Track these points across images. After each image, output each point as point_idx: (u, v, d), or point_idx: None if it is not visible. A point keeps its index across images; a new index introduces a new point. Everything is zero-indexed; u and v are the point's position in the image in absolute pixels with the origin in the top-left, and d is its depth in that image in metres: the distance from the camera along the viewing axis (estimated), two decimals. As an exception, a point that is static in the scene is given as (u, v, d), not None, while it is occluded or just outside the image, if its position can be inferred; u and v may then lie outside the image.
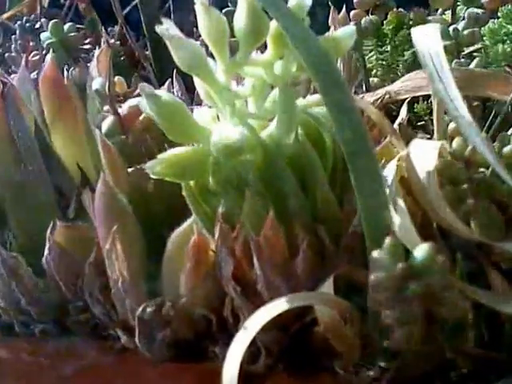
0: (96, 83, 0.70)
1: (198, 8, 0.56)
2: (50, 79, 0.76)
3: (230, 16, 0.57)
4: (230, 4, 1.04)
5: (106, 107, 0.67)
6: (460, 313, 0.48)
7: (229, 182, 0.58)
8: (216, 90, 0.58)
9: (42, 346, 0.65)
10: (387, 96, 0.73)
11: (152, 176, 0.57)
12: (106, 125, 0.67)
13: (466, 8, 0.91)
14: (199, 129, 0.59)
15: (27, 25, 1.09)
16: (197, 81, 0.60)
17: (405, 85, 0.73)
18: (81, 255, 0.66)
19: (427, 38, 0.63)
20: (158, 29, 0.55)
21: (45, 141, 0.75)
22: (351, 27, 0.59)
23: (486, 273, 0.56)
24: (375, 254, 0.49)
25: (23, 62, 0.83)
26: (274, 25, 0.57)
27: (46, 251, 0.66)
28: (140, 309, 0.61)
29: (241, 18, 0.57)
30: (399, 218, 0.55)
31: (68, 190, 0.73)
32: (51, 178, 0.73)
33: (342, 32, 0.59)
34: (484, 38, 0.84)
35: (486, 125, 0.71)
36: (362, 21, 1.03)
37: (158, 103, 0.57)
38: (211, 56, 0.58)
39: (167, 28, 0.55)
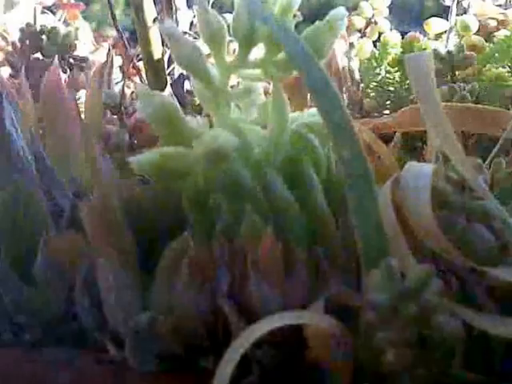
0: (106, 95, 0.70)
1: (198, 10, 0.57)
2: (52, 86, 0.76)
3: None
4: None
5: (107, 118, 0.67)
6: (453, 336, 0.48)
7: (221, 191, 0.59)
8: (211, 91, 0.59)
9: (34, 356, 0.65)
10: (383, 127, 0.74)
11: (137, 172, 0.57)
12: (113, 137, 0.66)
13: (462, 35, 0.92)
14: (191, 132, 0.59)
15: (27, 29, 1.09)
16: (194, 82, 0.61)
17: (401, 120, 0.74)
18: (73, 266, 0.65)
19: (420, 71, 0.64)
20: (159, 27, 0.55)
21: (39, 150, 0.75)
22: (341, 8, 0.60)
23: (477, 297, 0.56)
24: (370, 275, 0.49)
25: (22, 69, 0.83)
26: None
27: (38, 261, 0.66)
28: (131, 321, 0.61)
29: (238, 21, 0.58)
30: (394, 241, 0.56)
31: (62, 201, 0.73)
32: (44, 187, 0.73)
33: (334, 13, 0.60)
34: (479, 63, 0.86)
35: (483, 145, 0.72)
36: (355, 42, 1.04)
37: (151, 103, 0.57)
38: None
39: (168, 26, 0.56)
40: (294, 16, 0.61)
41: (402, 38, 1.00)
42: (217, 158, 0.55)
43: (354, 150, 0.54)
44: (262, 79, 0.62)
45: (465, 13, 0.99)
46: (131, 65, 1.11)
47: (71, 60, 1.08)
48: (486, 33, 0.94)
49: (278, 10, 0.60)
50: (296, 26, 0.61)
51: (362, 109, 0.96)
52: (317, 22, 0.60)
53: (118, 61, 1.16)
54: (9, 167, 0.72)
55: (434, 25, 1.00)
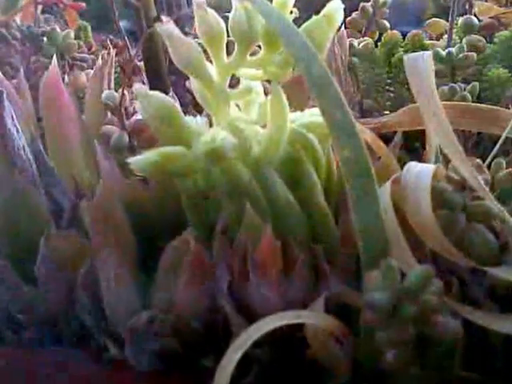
0: (106, 96, 0.69)
1: (196, 9, 0.57)
2: (51, 86, 0.76)
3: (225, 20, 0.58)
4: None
5: (108, 119, 0.67)
6: (453, 336, 0.48)
7: (220, 190, 0.59)
8: (211, 91, 0.59)
9: (35, 355, 0.65)
10: (383, 127, 0.74)
11: (137, 173, 0.57)
12: (113, 138, 0.66)
13: (463, 35, 0.92)
14: (191, 132, 0.59)
15: (27, 30, 1.09)
16: (193, 83, 0.61)
17: (401, 119, 0.74)
18: (73, 265, 0.65)
19: (419, 72, 0.64)
20: (158, 27, 0.55)
21: (39, 150, 0.75)
22: (337, 1, 0.60)
23: (477, 297, 0.57)
24: (370, 274, 0.49)
25: (22, 69, 0.83)
26: (265, 24, 0.58)
27: (39, 260, 0.66)
28: (132, 320, 0.61)
29: (236, 20, 0.58)
30: (394, 241, 0.55)
31: (62, 200, 0.73)
32: (45, 187, 0.73)
33: (331, 7, 0.60)
34: (480, 63, 0.86)
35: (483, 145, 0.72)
36: (355, 42, 1.04)
37: (151, 104, 0.57)
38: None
39: (167, 26, 0.56)
40: (291, 12, 0.60)
41: (403, 38, 1.00)
42: (216, 157, 0.55)
43: (355, 149, 0.54)
44: (261, 78, 0.62)
45: (465, 13, 0.99)
46: (131, 65, 1.11)
47: (71, 60, 1.08)
48: (487, 33, 0.94)
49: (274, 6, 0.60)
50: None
51: (362, 109, 0.96)
52: (314, 16, 0.60)
53: (117, 61, 1.16)
54: (9, 167, 0.71)
55: (435, 25, 1.00)
